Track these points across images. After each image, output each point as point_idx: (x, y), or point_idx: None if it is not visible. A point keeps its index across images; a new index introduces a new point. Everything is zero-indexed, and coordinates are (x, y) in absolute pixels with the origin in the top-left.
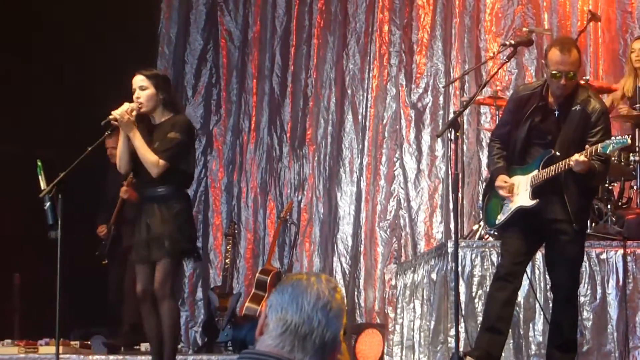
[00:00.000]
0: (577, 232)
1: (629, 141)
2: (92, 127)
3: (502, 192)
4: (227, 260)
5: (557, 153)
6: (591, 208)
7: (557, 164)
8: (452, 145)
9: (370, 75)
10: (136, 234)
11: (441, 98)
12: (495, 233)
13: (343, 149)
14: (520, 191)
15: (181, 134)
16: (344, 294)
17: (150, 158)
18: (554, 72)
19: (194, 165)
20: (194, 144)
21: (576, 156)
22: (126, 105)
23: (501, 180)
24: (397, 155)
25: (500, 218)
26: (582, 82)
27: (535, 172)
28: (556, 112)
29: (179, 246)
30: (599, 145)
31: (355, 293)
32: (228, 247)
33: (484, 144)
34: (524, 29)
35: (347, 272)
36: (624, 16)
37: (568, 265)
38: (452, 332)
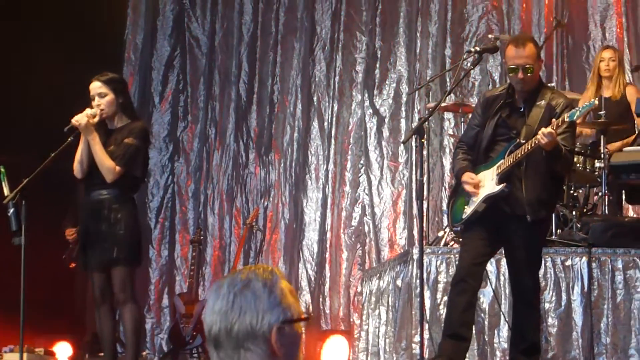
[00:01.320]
0: (532, 229)
1: (596, 102)
2: (56, 132)
3: (467, 188)
4: (192, 267)
5: (522, 141)
6: (555, 211)
7: (523, 146)
8: (417, 152)
9: (336, 81)
10: (83, 237)
11: (404, 105)
12: (460, 230)
13: (309, 156)
14: (486, 183)
15: (138, 140)
16: (283, 284)
17: (107, 163)
18: (511, 66)
19: (146, 171)
20: (147, 149)
21: (542, 129)
22: (88, 111)
23: (467, 176)
24: (361, 162)
25: (467, 211)
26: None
27: (501, 161)
28: (522, 108)
29: (127, 252)
30: (565, 114)
31: (321, 299)
32: (194, 254)
33: (447, 150)
34: (490, 36)
35: (313, 278)
36: (588, 23)
37: (524, 266)
38: (417, 338)
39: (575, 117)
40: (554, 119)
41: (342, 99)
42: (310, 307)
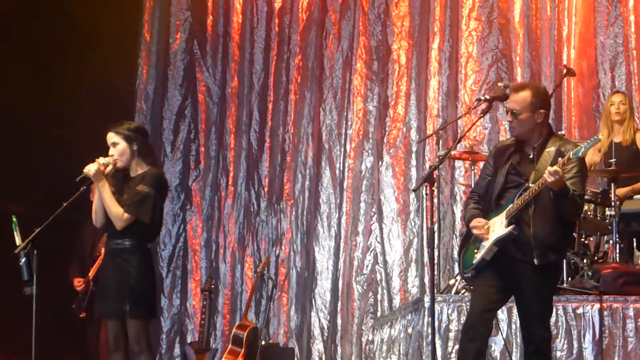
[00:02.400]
0: (542, 275)
1: (600, 137)
2: (69, 183)
3: (476, 232)
4: (203, 316)
5: (531, 185)
6: (566, 259)
7: (531, 188)
8: (427, 200)
9: (347, 130)
10: (100, 285)
11: (415, 154)
12: (470, 277)
13: (320, 204)
14: (496, 228)
15: (150, 187)
16: None
17: (114, 211)
18: (505, 108)
19: (160, 220)
20: (163, 198)
21: (549, 167)
22: (101, 160)
23: (476, 221)
24: (373, 210)
25: (477, 257)
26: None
27: (510, 205)
28: (531, 155)
29: (141, 304)
30: (570, 152)
31: (332, 348)
32: (204, 303)
33: (457, 198)
34: (500, 84)
35: (326, 327)
36: (597, 70)
37: (535, 314)
38: None
39: (580, 154)
40: (560, 158)
41: (353, 147)
42: (324, 357)
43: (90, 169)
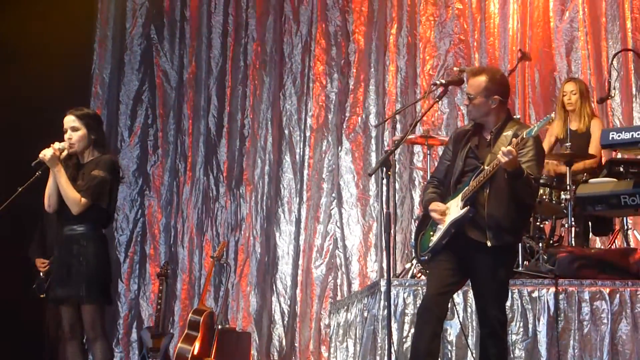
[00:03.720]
0: (497, 259)
1: (553, 116)
2: (23, 167)
3: (433, 215)
4: (159, 301)
5: (486, 167)
6: (522, 243)
7: (486, 169)
8: (384, 184)
9: (307, 115)
10: (54, 272)
11: (374, 139)
12: (426, 260)
13: (281, 189)
14: (452, 210)
15: (105, 171)
16: None
17: (72, 195)
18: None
19: (115, 205)
20: (117, 183)
21: (502, 147)
22: (56, 145)
23: (434, 205)
24: (333, 195)
25: (433, 240)
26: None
27: (466, 187)
28: (489, 139)
29: (97, 290)
30: (524, 132)
31: (292, 332)
32: (161, 288)
33: (416, 183)
34: (455, 69)
35: (286, 312)
36: (553, 55)
37: (490, 297)
38: None
39: (533, 133)
40: (513, 139)
41: (312, 133)
42: (284, 341)
43: (46, 153)
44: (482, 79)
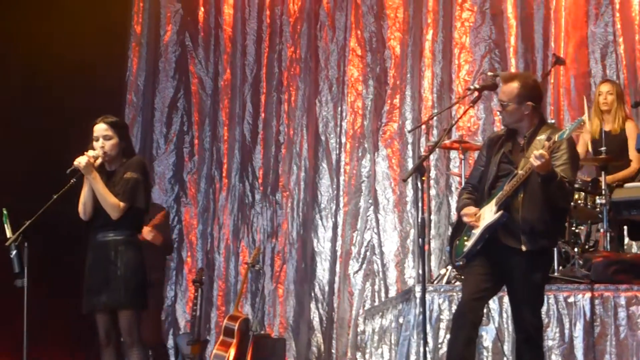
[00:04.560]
0: (532, 264)
1: (584, 118)
2: (58, 175)
3: (466, 219)
4: (195, 307)
5: (520, 171)
6: (557, 248)
7: (519, 174)
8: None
9: (343, 121)
10: (88, 279)
11: (411, 145)
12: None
13: (318, 195)
14: (486, 215)
15: (136, 173)
16: None
17: (111, 201)
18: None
19: (149, 204)
20: (149, 182)
21: (535, 151)
22: (90, 152)
23: (467, 209)
24: (370, 201)
25: (467, 245)
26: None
27: (500, 192)
28: (522, 143)
29: (134, 295)
30: (556, 135)
31: (329, 339)
32: (196, 294)
33: (453, 189)
34: (489, 74)
35: (323, 318)
36: (588, 59)
37: (526, 302)
38: None
39: (565, 135)
40: (545, 142)
41: (349, 139)
42: (322, 347)
43: (81, 161)
44: (514, 86)
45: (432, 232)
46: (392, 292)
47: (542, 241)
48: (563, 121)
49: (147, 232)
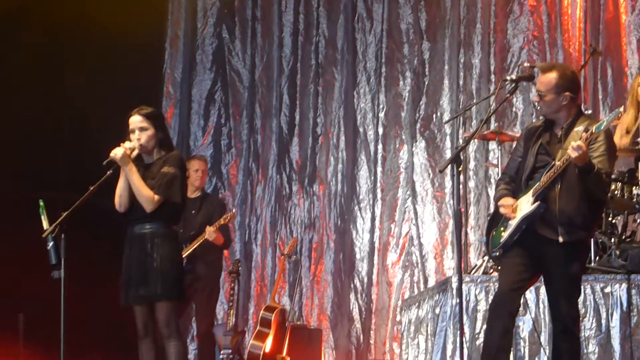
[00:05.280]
0: (569, 254)
1: (622, 110)
2: (95, 167)
3: (503, 211)
4: (232, 298)
5: (557, 162)
6: (594, 238)
7: (557, 165)
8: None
9: (381, 114)
10: (126, 272)
11: (449, 136)
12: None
13: (356, 187)
14: (522, 206)
15: (175, 167)
16: None
17: (145, 193)
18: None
19: (185, 199)
20: (185, 177)
21: (572, 143)
22: (126, 144)
23: (504, 201)
24: (408, 193)
25: (504, 236)
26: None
27: (537, 183)
28: (560, 134)
29: (171, 287)
30: (593, 127)
31: (368, 330)
32: (232, 285)
33: (492, 180)
34: (526, 64)
35: (363, 309)
36: (625, 50)
37: (563, 293)
38: None
39: (602, 127)
40: (583, 133)
41: (387, 130)
42: (361, 338)
43: (117, 153)
44: (552, 76)
45: (472, 223)
46: (431, 283)
47: (580, 232)
48: (600, 112)
49: (209, 233)
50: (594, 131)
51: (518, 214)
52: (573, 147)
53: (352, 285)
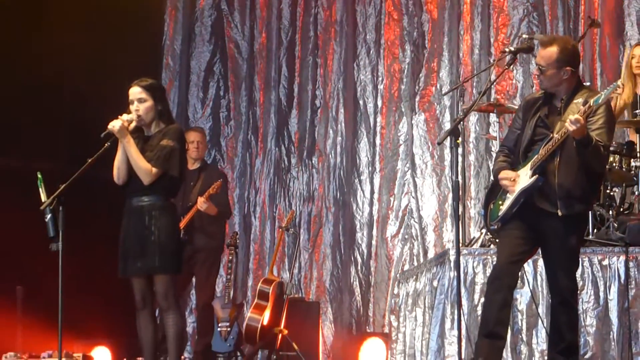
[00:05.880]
0: (567, 227)
1: (619, 83)
2: (93, 139)
3: (503, 183)
4: (230, 271)
5: (556, 135)
6: (592, 211)
7: (554, 138)
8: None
9: (379, 85)
10: (123, 244)
11: (448, 108)
12: (496, 229)
13: (355, 160)
14: (521, 179)
15: (174, 141)
16: None
17: (143, 166)
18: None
19: (184, 172)
20: (184, 150)
21: (570, 116)
22: (125, 116)
23: (503, 174)
24: (407, 165)
25: (503, 209)
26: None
27: (535, 156)
28: (559, 107)
29: (169, 260)
30: (591, 100)
31: (367, 302)
32: (230, 258)
33: (492, 152)
34: (524, 36)
35: (362, 282)
36: (624, 23)
37: (561, 265)
38: (454, 339)
39: (600, 100)
40: (581, 107)
41: (386, 103)
42: (361, 311)
43: (115, 125)
44: (553, 50)
45: (472, 195)
46: (431, 256)
47: (578, 206)
48: (597, 84)
49: (201, 203)
50: (592, 104)
51: (516, 187)
52: (571, 120)
53: (352, 258)
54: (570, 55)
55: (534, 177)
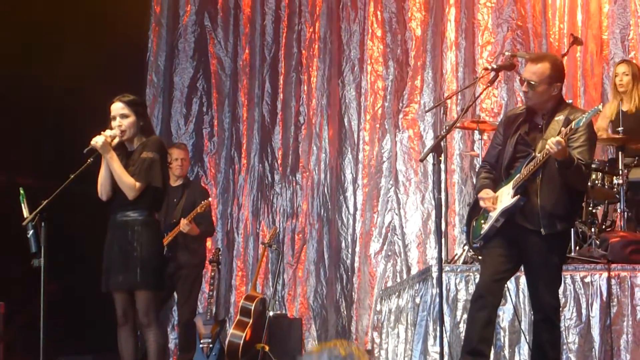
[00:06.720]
0: (550, 245)
1: (601, 107)
2: (76, 155)
3: (484, 203)
4: (212, 287)
5: (538, 154)
6: (574, 228)
7: (537, 158)
8: (435, 171)
9: (364, 103)
10: (107, 259)
11: (431, 126)
12: (479, 247)
13: (340, 176)
14: (503, 198)
15: (153, 152)
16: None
17: (127, 181)
18: (520, 78)
19: (167, 182)
20: (166, 161)
21: (551, 138)
22: (107, 132)
23: (484, 193)
24: (391, 182)
25: (485, 227)
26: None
27: (517, 175)
28: (540, 124)
29: (151, 276)
30: (572, 122)
31: (350, 319)
32: (212, 274)
33: (476, 169)
34: (506, 53)
35: (345, 298)
36: (607, 41)
37: (544, 283)
38: (436, 356)
39: (582, 123)
40: (562, 128)
41: (369, 120)
42: (344, 328)
43: (98, 140)
44: (546, 66)
45: (455, 212)
46: (414, 273)
47: (561, 224)
48: (581, 102)
49: (183, 225)
50: (573, 126)
51: (498, 206)
52: (553, 142)
53: (337, 275)
54: (560, 71)
55: (516, 197)
